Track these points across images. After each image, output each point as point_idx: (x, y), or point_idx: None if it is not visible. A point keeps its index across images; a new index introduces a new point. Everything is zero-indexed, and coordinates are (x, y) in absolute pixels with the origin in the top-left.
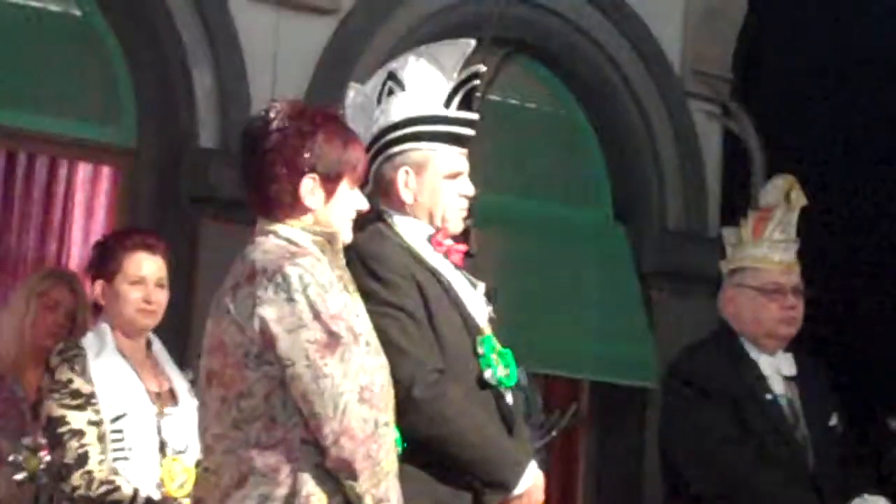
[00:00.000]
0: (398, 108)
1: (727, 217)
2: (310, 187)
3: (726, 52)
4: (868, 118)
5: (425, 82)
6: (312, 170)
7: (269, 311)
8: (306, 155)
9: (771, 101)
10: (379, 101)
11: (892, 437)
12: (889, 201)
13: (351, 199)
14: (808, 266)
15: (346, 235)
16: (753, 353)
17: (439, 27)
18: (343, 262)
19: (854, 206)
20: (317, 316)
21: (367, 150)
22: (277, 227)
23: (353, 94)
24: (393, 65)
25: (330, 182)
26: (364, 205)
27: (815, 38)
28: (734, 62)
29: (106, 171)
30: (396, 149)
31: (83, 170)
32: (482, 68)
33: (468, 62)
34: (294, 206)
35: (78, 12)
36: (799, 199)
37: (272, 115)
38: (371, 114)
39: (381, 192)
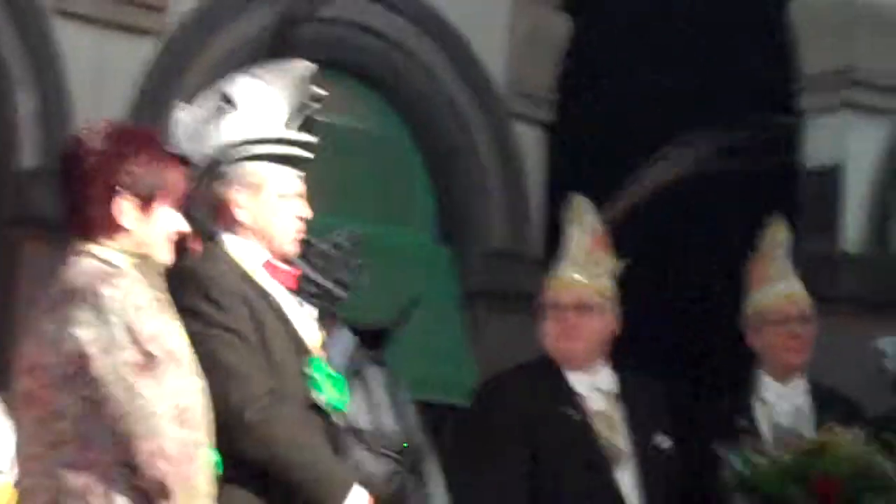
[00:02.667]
0: (232, 128)
1: (551, 238)
2: (125, 208)
3: (549, 73)
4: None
5: (260, 103)
6: (129, 190)
7: (85, 332)
8: (123, 176)
9: (594, 119)
10: (211, 121)
11: (719, 462)
12: (707, 216)
13: (169, 220)
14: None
15: (163, 256)
16: (570, 373)
17: (262, 48)
18: (161, 283)
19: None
20: (132, 337)
21: (200, 170)
22: (94, 248)
23: (183, 114)
24: (225, 85)
25: (147, 203)
26: (183, 226)
27: (636, 59)
28: (557, 83)
29: None
30: (231, 169)
31: None
32: (324, 92)
33: (306, 84)
34: (111, 227)
35: None
36: (589, 219)
37: (90, 135)
38: (203, 134)
39: (215, 212)
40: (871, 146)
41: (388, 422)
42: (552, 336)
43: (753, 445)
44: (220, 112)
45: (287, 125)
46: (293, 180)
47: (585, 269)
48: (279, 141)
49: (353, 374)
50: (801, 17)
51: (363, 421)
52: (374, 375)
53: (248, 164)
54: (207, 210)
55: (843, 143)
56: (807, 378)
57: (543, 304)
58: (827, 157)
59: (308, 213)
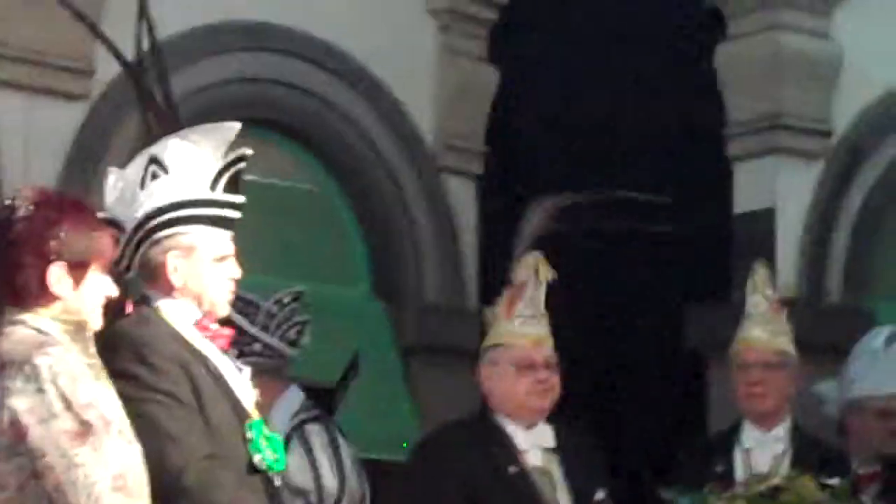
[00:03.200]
0: (163, 191)
1: (486, 290)
2: (57, 275)
3: (478, 126)
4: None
5: (189, 165)
6: (59, 257)
7: (20, 402)
8: (52, 243)
9: (526, 168)
10: (142, 185)
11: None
12: (655, 273)
13: (100, 286)
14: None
15: (94, 322)
16: (510, 428)
17: (190, 111)
18: (93, 349)
19: (609, 269)
20: (68, 406)
21: (132, 234)
22: (26, 317)
23: (114, 178)
24: (154, 149)
25: (78, 269)
26: (113, 291)
27: (567, 111)
28: (487, 136)
29: None
30: (164, 233)
31: None
32: (248, 151)
33: (231, 145)
34: (42, 295)
35: None
36: (545, 273)
37: (17, 203)
38: (134, 198)
39: (148, 275)
40: (801, 189)
41: (329, 479)
42: (521, 393)
43: (710, 493)
44: (151, 176)
45: (215, 186)
46: (224, 241)
47: (539, 326)
48: (209, 203)
49: (294, 430)
50: (727, 64)
51: (302, 479)
52: (316, 433)
53: (181, 228)
54: (140, 273)
55: (772, 187)
56: (792, 424)
57: (500, 362)
58: (757, 201)
59: (239, 273)
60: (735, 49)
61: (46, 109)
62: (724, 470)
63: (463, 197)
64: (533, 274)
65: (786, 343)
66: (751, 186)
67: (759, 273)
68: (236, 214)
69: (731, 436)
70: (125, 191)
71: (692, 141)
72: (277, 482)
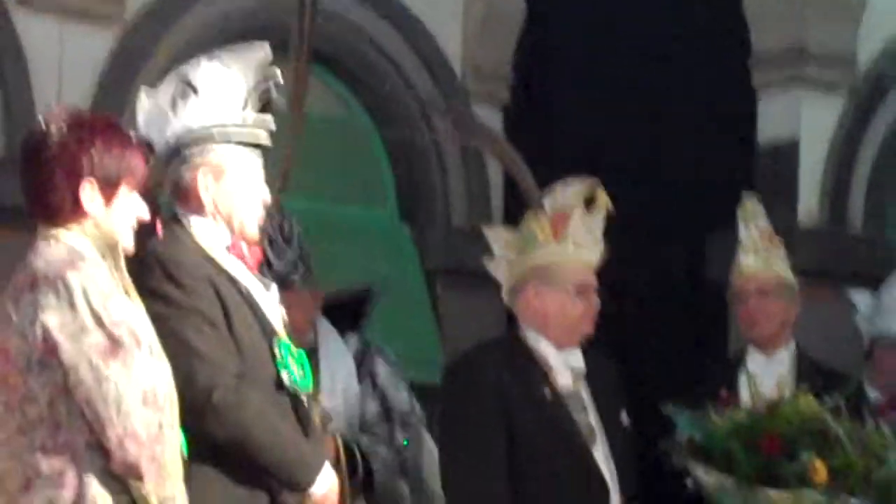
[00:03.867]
0: (194, 112)
1: (510, 216)
2: (89, 193)
3: (505, 55)
4: (655, 120)
5: (220, 87)
6: (91, 175)
7: (51, 318)
8: (84, 161)
9: (551, 98)
10: (173, 105)
11: (668, 423)
12: (676, 205)
13: (131, 205)
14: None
15: (126, 242)
16: (544, 349)
17: (223, 34)
18: (124, 267)
19: (640, 205)
20: (98, 322)
21: (163, 153)
22: (58, 233)
23: (145, 97)
24: (185, 70)
25: (109, 188)
26: (144, 211)
27: (594, 41)
28: (514, 64)
29: None
30: (194, 153)
31: None
32: (278, 72)
33: (265, 64)
34: (74, 212)
35: None
36: (603, 200)
37: (50, 123)
38: (165, 118)
39: (179, 194)
40: (824, 121)
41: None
42: (575, 317)
43: (714, 412)
44: (182, 97)
45: (246, 107)
46: (255, 163)
47: (594, 253)
48: (240, 125)
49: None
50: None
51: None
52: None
53: (211, 148)
54: (171, 193)
55: (796, 118)
56: (794, 349)
57: (553, 283)
58: (781, 132)
59: (268, 196)
60: None
61: (78, 33)
62: (730, 392)
63: (490, 124)
64: (582, 198)
65: (781, 270)
66: (775, 117)
67: (748, 205)
68: (266, 137)
69: (737, 361)
70: (156, 111)
71: (718, 70)
72: (305, 400)
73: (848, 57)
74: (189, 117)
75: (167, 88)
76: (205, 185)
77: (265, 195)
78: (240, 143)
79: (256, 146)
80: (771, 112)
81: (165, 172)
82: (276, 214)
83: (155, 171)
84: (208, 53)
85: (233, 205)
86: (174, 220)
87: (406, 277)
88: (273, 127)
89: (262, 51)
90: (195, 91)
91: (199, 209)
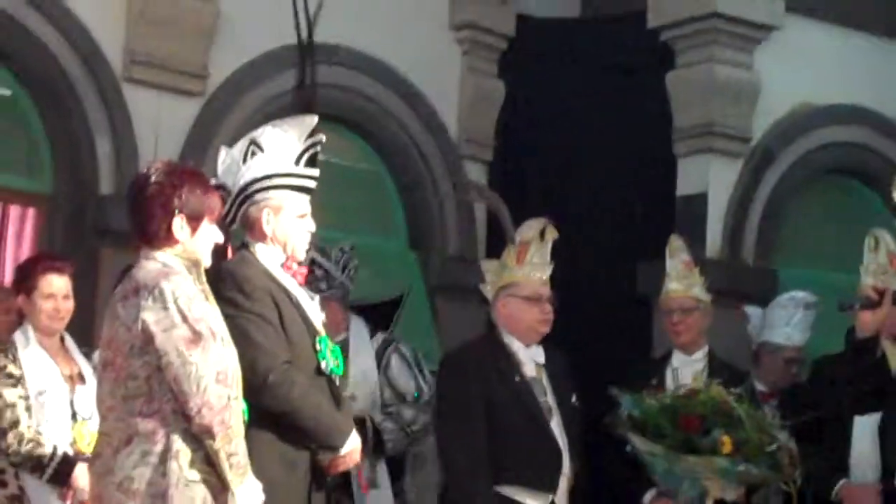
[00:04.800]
0: (260, 165)
1: (492, 247)
2: (179, 224)
3: (490, 125)
4: (600, 179)
5: (280, 146)
6: (181, 212)
7: (149, 316)
8: (176, 201)
9: (523, 160)
10: (244, 160)
11: (613, 403)
12: (615, 239)
13: (210, 234)
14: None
15: (206, 261)
16: (514, 346)
17: (277, 107)
18: (204, 279)
19: (587, 238)
20: (184, 319)
21: (236, 196)
22: (156, 254)
23: (224, 154)
24: (255, 133)
25: (194, 221)
26: (220, 238)
27: (556, 116)
28: (496, 133)
29: (30, 211)
30: (259, 196)
31: (13, 211)
32: (323, 137)
33: (312, 132)
34: (167, 239)
35: (8, 92)
36: (552, 233)
37: (151, 171)
38: (238, 169)
39: (247, 227)
40: (726, 180)
41: (423, 382)
42: (532, 320)
43: (647, 394)
44: (251, 153)
45: (299, 162)
46: (304, 203)
47: (545, 272)
48: (293, 175)
49: (387, 347)
50: (674, 86)
51: (405, 383)
52: (406, 349)
53: (272, 192)
54: (241, 225)
55: (706, 177)
56: (707, 350)
57: (516, 295)
58: (694, 188)
59: (313, 228)
60: (681, 75)
61: (172, 103)
62: (658, 382)
63: (477, 177)
64: (538, 233)
65: (697, 292)
66: (690, 177)
67: (673, 242)
68: (313, 184)
69: (664, 359)
70: (231, 164)
71: (649, 141)
72: (338, 383)
73: (745, 133)
74: (256, 169)
75: (240, 146)
76: (267, 220)
77: (311, 227)
78: (293, 188)
79: (306, 191)
80: (687, 173)
81: (237, 210)
82: (346, 253)
83: (229, 208)
84: (271, 121)
85: (287, 235)
86: (243, 246)
87: (414, 294)
88: (317, 175)
89: (312, 121)
90: (261, 149)
91: (262, 238)
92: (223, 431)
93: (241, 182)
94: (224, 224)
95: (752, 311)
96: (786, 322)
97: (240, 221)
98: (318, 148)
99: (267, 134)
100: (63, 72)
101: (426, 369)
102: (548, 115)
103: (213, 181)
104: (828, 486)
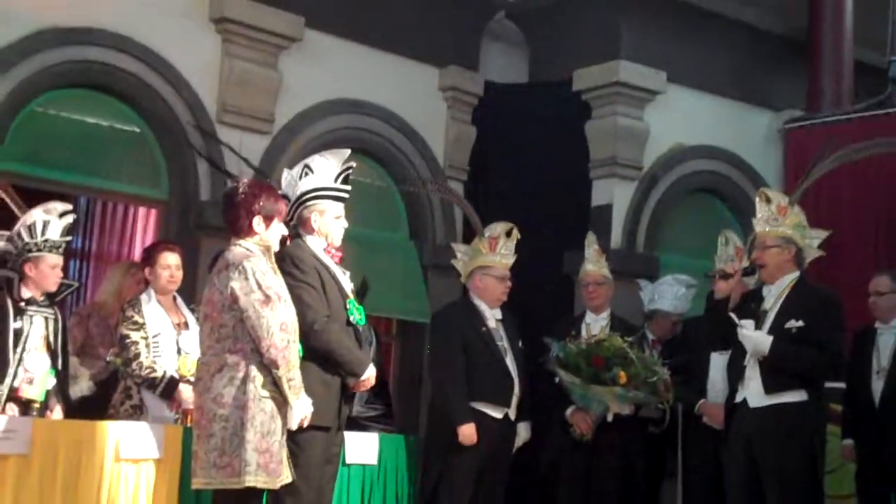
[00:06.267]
0: (310, 182)
1: (466, 238)
2: (258, 222)
3: (466, 156)
4: (540, 193)
5: (324, 169)
6: (259, 213)
7: (236, 284)
8: (256, 206)
9: (488, 181)
10: (300, 178)
11: (546, 348)
12: (549, 234)
13: (279, 229)
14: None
15: (275, 247)
16: (482, 308)
17: (324, 142)
18: (273, 259)
19: (530, 233)
20: (259, 287)
21: (294, 203)
22: (241, 242)
23: (286, 174)
24: (307, 160)
25: (268, 220)
26: (285, 232)
27: (511, 151)
28: (470, 160)
29: (153, 212)
30: (310, 202)
31: (141, 211)
32: (353, 164)
33: (347, 159)
34: (249, 232)
35: (138, 130)
36: (516, 234)
37: (240, 185)
38: (296, 184)
39: (300, 223)
40: (625, 195)
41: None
42: (499, 292)
43: (569, 341)
44: (305, 174)
45: (337, 180)
46: (340, 209)
47: (510, 260)
48: (333, 189)
49: None
50: (591, 131)
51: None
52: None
53: (318, 200)
54: (297, 223)
55: (611, 194)
56: (610, 313)
57: (488, 275)
58: (603, 201)
59: (346, 225)
60: (595, 124)
61: (251, 138)
62: (576, 333)
63: (458, 190)
64: (505, 232)
65: (605, 271)
66: (601, 193)
67: (589, 237)
68: (346, 195)
69: (580, 318)
70: (291, 181)
71: (573, 169)
72: (361, 331)
73: (638, 163)
74: (307, 184)
75: (298, 169)
76: (314, 219)
77: (344, 224)
78: (332, 198)
79: (341, 199)
80: (599, 190)
81: (295, 212)
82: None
83: (289, 210)
84: (321, 152)
85: (328, 230)
86: (298, 236)
87: (412, 270)
88: (349, 189)
89: (346, 153)
90: (311, 171)
91: (310, 231)
92: (285, 363)
93: (298, 193)
94: (287, 222)
95: (644, 283)
96: (673, 296)
97: (296, 220)
98: (350, 171)
99: (316, 160)
100: (175, 116)
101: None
102: (505, 149)
103: (280, 192)
104: (691, 404)
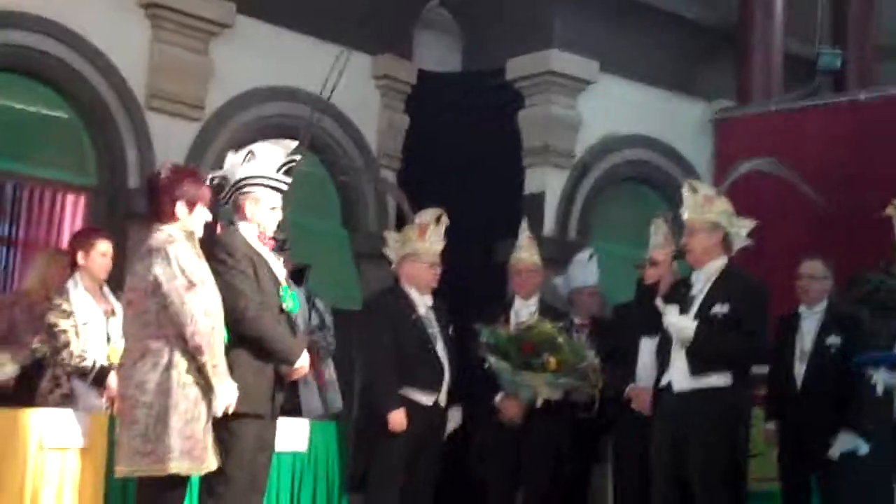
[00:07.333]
0: (252, 168)
1: (399, 224)
2: (180, 207)
3: (399, 145)
4: (473, 181)
5: (268, 157)
6: (182, 198)
7: (159, 270)
8: (177, 191)
9: (420, 168)
10: (242, 162)
11: (476, 334)
12: (482, 222)
13: (202, 214)
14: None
15: (198, 232)
16: (413, 295)
17: (255, 129)
18: (197, 244)
19: (462, 222)
20: (182, 272)
21: (233, 186)
22: (164, 227)
23: (230, 156)
24: (253, 146)
25: (190, 205)
26: (209, 217)
27: (444, 139)
28: (402, 149)
29: (81, 199)
30: (247, 189)
31: (70, 198)
32: (299, 157)
33: (293, 151)
34: (172, 216)
35: (66, 115)
36: (445, 220)
37: (161, 170)
38: (237, 167)
39: (235, 209)
40: (554, 184)
41: (328, 319)
42: (428, 278)
43: (499, 328)
44: (248, 158)
45: (279, 171)
46: (277, 200)
47: (439, 245)
48: (272, 178)
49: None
50: (524, 121)
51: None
52: (322, 300)
53: (258, 188)
54: (232, 209)
55: (543, 182)
56: (539, 298)
57: (417, 261)
58: (536, 188)
59: (280, 216)
60: (527, 113)
61: (179, 124)
62: (505, 319)
63: (390, 179)
64: (435, 219)
65: (537, 258)
66: (533, 181)
67: (523, 226)
68: (286, 187)
69: (509, 304)
70: (234, 163)
71: (507, 157)
72: (294, 318)
73: (570, 152)
74: (249, 170)
75: (242, 153)
76: (249, 207)
77: (279, 216)
78: (271, 188)
79: (280, 191)
80: (531, 179)
81: (231, 195)
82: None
83: (226, 193)
84: (267, 139)
85: (261, 220)
86: (231, 223)
87: (345, 259)
88: (289, 182)
89: (292, 144)
90: (255, 157)
91: (244, 218)
92: (209, 349)
93: (237, 177)
94: (223, 203)
95: (559, 279)
96: (580, 272)
97: (232, 204)
98: (294, 164)
99: (260, 147)
100: (103, 102)
101: (328, 311)
102: (438, 137)
103: (216, 173)
104: (621, 387)
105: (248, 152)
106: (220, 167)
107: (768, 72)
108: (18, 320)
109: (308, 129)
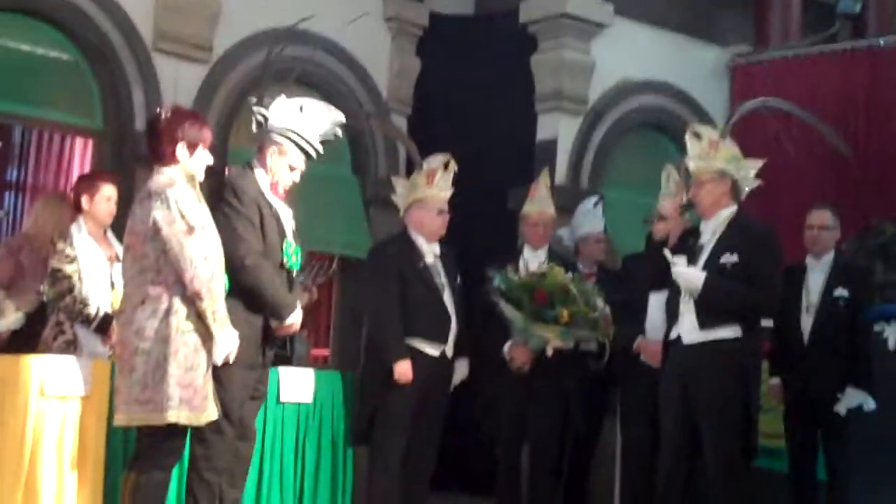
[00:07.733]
0: (295, 121)
1: (409, 170)
2: (181, 149)
3: (410, 89)
4: (485, 128)
5: (314, 119)
6: (183, 140)
7: (158, 213)
8: (178, 132)
9: (432, 114)
10: (290, 111)
11: (488, 278)
12: (494, 169)
13: (203, 157)
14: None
15: (200, 175)
16: (419, 242)
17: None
18: (198, 187)
19: (474, 168)
20: (182, 216)
21: (269, 128)
22: (164, 169)
23: (282, 98)
24: (307, 100)
25: (192, 147)
26: (210, 160)
27: (455, 83)
28: (414, 93)
29: (88, 142)
30: (279, 138)
31: (78, 142)
32: (340, 135)
33: (338, 126)
34: (173, 158)
35: (71, 57)
36: (453, 166)
37: (162, 112)
38: (282, 113)
39: (257, 150)
40: (570, 130)
41: None
42: (436, 226)
43: (511, 273)
44: (298, 110)
45: (317, 137)
46: (301, 162)
47: (447, 193)
48: (307, 141)
49: None
50: (537, 65)
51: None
52: None
53: (288, 142)
54: (256, 148)
55: (556, 129)
56: (548, 248)
57: (425, 208)
58: (548, 136)
59: (297, 178)
60: (540, 57)
61: (187, 67)
62: (515, 268)
63: (399, 125)
64: (443, 164)
65: (550, 208)
66: (545, 128)
67: (543, 175)
68: (314, 155)
69: (519, 252)
70: (281, 107)
71: (520, 103)
72: (294, 274)
73: (583, 98)
74: (292, 122)
75: (294, 101)
76: (271, 156)
77: (296, 177)
78: (301, 148)
79: (308, 155)
80: (544, 125)
81: (264, 135)
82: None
83: (260, 126)
84: (321, 100)
85: (281, 172)
86: (248, 165)
87: (355, 203)
88: (322, 151)
89: (340, 115)
90: (302, 111)
91: (262, 165)
92: (209, 295)
93: (275, 122)
94: (215, 149)
95: (562, 231)
96: (586, 219)
97: (258, 142)
98: (333, 138)
99: (314, 105)
100: (110, 44)
101: None
102: (450, 82)
103: (262, 110)
104: (630, 341)
105: (300, 105)
106: (228, 111)
107: (786, 16)
108: (25, 265)
109: (269, 57)
